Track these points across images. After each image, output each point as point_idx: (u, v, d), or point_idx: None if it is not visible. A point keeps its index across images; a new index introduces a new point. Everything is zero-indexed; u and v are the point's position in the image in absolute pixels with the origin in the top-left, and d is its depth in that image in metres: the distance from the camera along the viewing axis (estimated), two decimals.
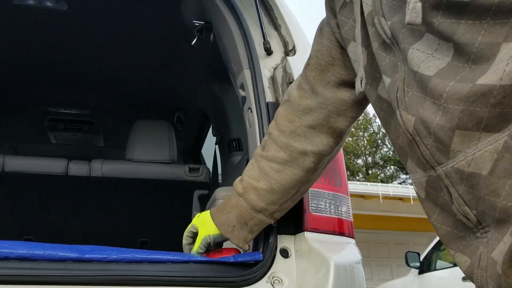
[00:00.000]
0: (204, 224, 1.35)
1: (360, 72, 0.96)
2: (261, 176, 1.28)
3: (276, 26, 1.79)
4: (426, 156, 0.84)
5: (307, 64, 1.22)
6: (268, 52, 1.71)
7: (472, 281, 0.83)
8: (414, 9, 0.77)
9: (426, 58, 0.81)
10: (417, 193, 0.92)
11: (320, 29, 1.19)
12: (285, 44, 1.74)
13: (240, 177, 1.34)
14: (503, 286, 0.75)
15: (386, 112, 0.95)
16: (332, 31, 1.13)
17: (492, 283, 0.76)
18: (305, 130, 1.24)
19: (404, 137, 0.88)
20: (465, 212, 0.81)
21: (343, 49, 1.12)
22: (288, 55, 1.70)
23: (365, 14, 0.94)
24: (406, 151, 0.90)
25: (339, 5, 1.07)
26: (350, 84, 1.16)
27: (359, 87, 0.96)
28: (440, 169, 0.82)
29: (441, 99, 0.78)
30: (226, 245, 1.82)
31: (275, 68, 1.69)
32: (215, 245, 1.38)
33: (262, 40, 1.72)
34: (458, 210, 0.82)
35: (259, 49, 1.70)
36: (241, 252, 1.38)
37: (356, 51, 1.00)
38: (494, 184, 0.75)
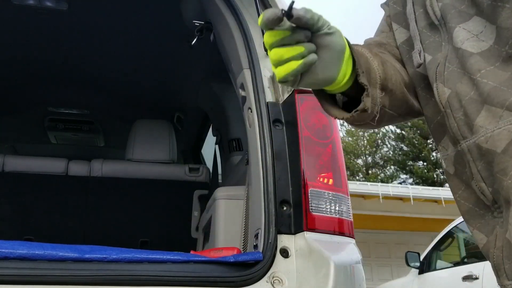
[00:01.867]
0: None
1: (418, 45, 0.96)
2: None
3: None
4: (454, 129, 0.86)
5: None
6: None
7: (488, 259, 0.85)
8: None
9: (471, 37, 0.84)
10: (446, 170, 0.94)
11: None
12: None
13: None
14: None
15: (425, 89, 0.97)
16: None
17: (509, 264, 0.78)
18: None
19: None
20: (482, 188, 0.83)
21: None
22: None
23: None
24: (444, 127, 0.93)
25: None
26: None
27: (418, 59, 0.96)
28: (464, 143, 0.85)
29: (477, 73, 0.82)
30: (226, 244, 1.82)
31: None
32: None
33: (262, 40, 1.72)
34: (476, 186, 0.84)
35: (259, 49, 1.70)
36: (241, 251, 1.38)
37: (411, 27, 1.00)
38: (505, 163, 0.77)
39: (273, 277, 1.31)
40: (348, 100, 0.96)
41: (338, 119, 0.95)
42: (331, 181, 1.50)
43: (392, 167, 24.27)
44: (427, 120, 0.99)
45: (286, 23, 0.75)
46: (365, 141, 25.19)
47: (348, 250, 1.48)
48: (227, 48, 1.90)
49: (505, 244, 0.79)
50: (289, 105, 1.56)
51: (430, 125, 0.98)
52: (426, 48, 0.94)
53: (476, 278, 4.81)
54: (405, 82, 1.00)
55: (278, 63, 0.78)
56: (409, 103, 1.00)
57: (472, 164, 0.83)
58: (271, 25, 0.75)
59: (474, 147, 0.82)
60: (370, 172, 24.23)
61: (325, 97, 0.94)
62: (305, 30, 0.77)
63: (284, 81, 0.79)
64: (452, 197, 0.93)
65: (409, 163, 23.29)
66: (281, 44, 0.77)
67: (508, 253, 0.78)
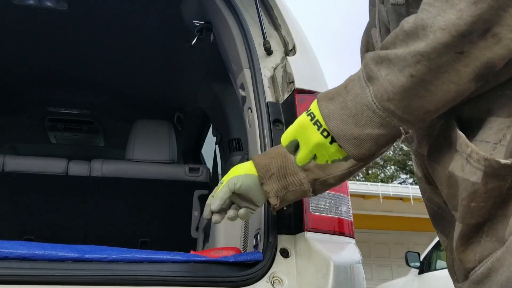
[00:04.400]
0: (235, 168, 1.23)
1: None
2: None
3: (276, 26, 1.79)
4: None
5: None
6: (268, 52, 1.71)
7: (446, 260, 0.88)
8: None
9: None
10: (415, 173, 0.97)
11: None
12: (285, 44, 1.74)
13: None
14: (462, 271, 0.77)
15: None
16: None
17: (458, 265, 0.79)
18: None
19: None
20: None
21: None
22: (288, 55, 1.70)
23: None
24: None
25: None
26: None
27: None
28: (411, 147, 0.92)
29: None
30: (226, 244, 1.83)
31: (275, 68, 1.69)
32: (235, 198, 1.23)
33: (262, 40, 1.72)
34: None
35: (259, 49, 1.70)
36: (241, 251, 1.38)
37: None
38: (432, 167, 0.83)
39: (273, 277, 1.31)
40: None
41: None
42: None
43: (392, 167, 24.28)
44: None
45: None
46: None
47: (348, 250, 1.48)
48: (227, 48, 1.90)
49: (454, 246, 0.78)
50: (289, 105, 1.56)
51: None
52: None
53: None
54: None
55: None
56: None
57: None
58: None
59: (414, 151, 0.89)
60: (370, 172, 24.23)
61: None
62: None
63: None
64: None
65: (409, 163, 23.29)
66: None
67: (455, 255, 0.77)
